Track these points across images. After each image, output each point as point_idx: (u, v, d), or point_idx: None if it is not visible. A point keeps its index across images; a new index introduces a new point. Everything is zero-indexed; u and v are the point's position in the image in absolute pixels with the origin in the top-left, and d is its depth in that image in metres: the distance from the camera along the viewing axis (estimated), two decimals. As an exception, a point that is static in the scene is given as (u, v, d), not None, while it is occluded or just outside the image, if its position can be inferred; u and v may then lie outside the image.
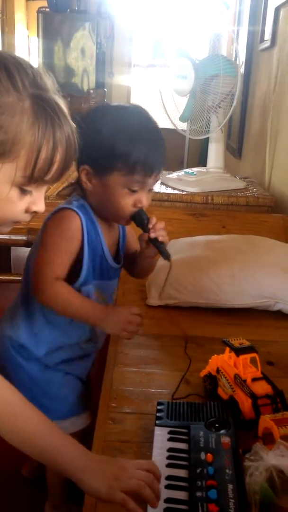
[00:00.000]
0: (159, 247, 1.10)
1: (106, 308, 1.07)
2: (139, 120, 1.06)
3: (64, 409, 1.20)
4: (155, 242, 1.10)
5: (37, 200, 0.70)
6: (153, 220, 1.09)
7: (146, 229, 1.09)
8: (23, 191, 0.66)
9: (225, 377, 0.97)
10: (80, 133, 0.98)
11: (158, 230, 1.08)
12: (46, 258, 1.05)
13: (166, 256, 1.10)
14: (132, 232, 1.23)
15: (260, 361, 0.98)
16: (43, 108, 0.64)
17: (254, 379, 0.94)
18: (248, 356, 0.96)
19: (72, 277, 1.08)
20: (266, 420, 0.82)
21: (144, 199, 1.06)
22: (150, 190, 1.08)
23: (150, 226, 1.08)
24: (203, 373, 1.03)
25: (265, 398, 0.91)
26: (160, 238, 1.09)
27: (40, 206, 0.70)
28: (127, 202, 1.05)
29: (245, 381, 0.93)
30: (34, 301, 1.11)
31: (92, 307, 1.07)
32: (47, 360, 1.18)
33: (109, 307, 1.10)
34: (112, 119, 1.04)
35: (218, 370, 0.99)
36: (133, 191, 1.04)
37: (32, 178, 0.65)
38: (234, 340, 0.99)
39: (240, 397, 0.92)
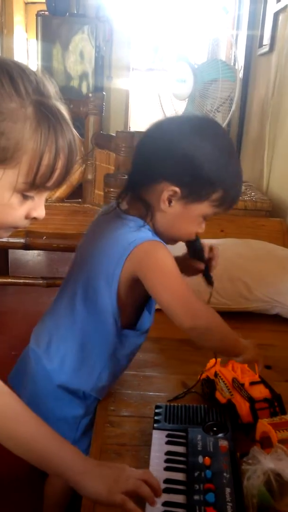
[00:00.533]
0: (208, 275, 1.06)
1: (245, 344, 1.03)
2: (232, 149, 1.00)
3: None
4: (207, 270, 1.05)
5: (38, 206, 0.70)
6: (209, 249, 1.05)
7: (202, 258, 1.04)
8: (25, 197, 0.67)
9: (223, 381, 0.97)
10: (168, 147, 0.92)
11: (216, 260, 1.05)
12: (181, 292, 0.95)
13: (211, 282, 1.06)
14: None
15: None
16: (45, 115, 0.64)
17: (252, 383, 0.95)
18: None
19: None
20: (264, 424, 0.83)
21: (204, 227, 1.01)
22: None
23: (208, 256, 1.05)
24: (202, 376, 1.03)
25: (263, 402, 0.91)
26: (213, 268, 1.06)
27: (40, 212, 0.70)
28: (194, 230, 0.99)
29: (243, 384, 0.94)
30: (110, 344, 0.99)
31: (237, 336, 1.01)
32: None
33: (246, 344, 1.03)
34: (212, 140, 0.93)
35: (216, 374, 0.99)
36: (203, 220, 0.99)
37: (33, 185, 0.65)
38: None
39: (238, 401, 0.92)
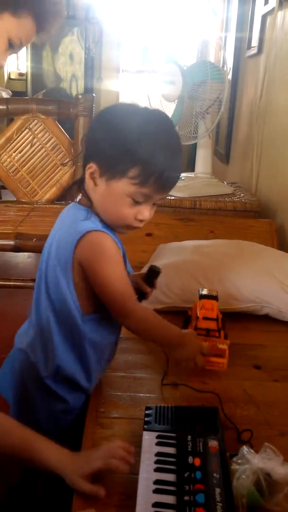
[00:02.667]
0: (141, 299, 1.15)
1: (184, 336, 1.08)
2: (165, 128, 0.95)
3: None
4: (143, 295, 1.15)
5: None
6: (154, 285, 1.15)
7: (151, 285, 1.15)
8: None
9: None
10: (96, 126, 0.97)
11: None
12: (119, 289, 0.98)
13: (140, 300, 1.15)
14: None
15: (247, 365, 1.07)
16: None
17: (205, 318, 1.19)
18: (209, 301, 1.22)
19: None
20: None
21: (147, 213, 0.97)
22: (155, 204, 0.99)
23: (155, 286, 1.15)
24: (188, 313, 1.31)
25: (203, 330, 1.18)
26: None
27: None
28: (129, 212, 0.96)
29: (197, 317, 1.19)
30: (79, 333, 1.01)
31: (174, 329, 1.07)
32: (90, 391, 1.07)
33: (186, 337, 1.09)
34: (138, 119, 0.92)
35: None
36: (137, 202, 0.95)
37: None
38: (208, 290, 1.27)
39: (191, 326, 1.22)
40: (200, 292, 1.27)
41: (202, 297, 1.25)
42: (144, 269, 1.21)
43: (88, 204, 0.99)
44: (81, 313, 1.00)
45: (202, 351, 1.08)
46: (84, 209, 0.99)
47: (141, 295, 1.15)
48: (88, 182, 0.97)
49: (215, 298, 1.24)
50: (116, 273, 0.98)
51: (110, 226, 0.99)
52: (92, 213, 0.98)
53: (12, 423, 0.85)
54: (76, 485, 0.78)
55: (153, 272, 1.15)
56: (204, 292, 1.27)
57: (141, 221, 0.98)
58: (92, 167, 0.94)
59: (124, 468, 0.78)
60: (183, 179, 2.15)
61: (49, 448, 0.81)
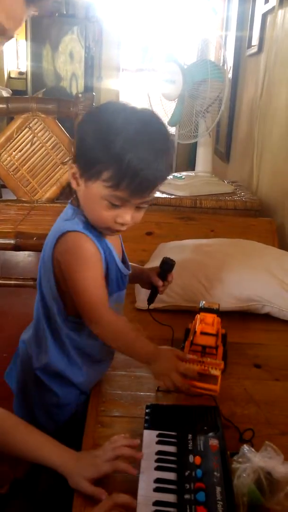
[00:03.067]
0: (154, 294, 1.18)
1: (158, 351, 0.99)
2: (146, 129, 0.89)
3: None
4: (156, 291, 1.17)
5: None
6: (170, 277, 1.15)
7: (164, 278, 1.15)
8: None
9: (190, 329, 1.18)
10: (80, 126, 0.94)
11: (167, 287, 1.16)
12: (89, 294, 0.95)
13: (151, 302, 1.18)
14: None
15: (247, 364, 1.06)
16: None
17: (203, 333, 1.11)
18: (209, 315, 1.14)
19: None
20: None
21: (127, 217, 0.92)
22: (140, 208, 0.95)
23: (169, 279, 1.15)
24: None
25: (199, 346, 1.10)
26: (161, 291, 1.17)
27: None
28: (108, 215, 0.92)
29: (195, 332, 1.11)
30: (63, 330, 1.02)
31: (147, 344, 0.99)
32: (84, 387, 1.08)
33: (160, 353, 0.99)
34: (118, 119, 0.88)
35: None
36: (115, 205, 0.91)
37: None
38: (209, 303, 1.18)
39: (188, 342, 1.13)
40: (200, 305, 1.18)
41: (201, 310, 1.16)
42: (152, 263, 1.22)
43: (76, 204, 0.98)
44: (65, 312, 1.00)
45: (181, 371, 0.97)
46: (72, 208, 0.99)
47: (154, 291, 1.17)
48: (72, 183, 0.96)
49: (215, 312, 1.15)
50: (88, 276, 0.95)
51: (96, 228, 0.97)
52: (78, 213, 0.97)
53: (16, 421, 0.86)
54: (79, 487, 0.77)
55: (167, 264, 1.14)
56: (204, 305, 1.18)
57: (122, 224, 0.94)
58: (73, 167, 0.94)
59: (133, 472, 0.78)
60: (183, 178, 2.15)
61: (54, 448, 0.82)
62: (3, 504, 1.02)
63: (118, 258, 1.02)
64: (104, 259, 0.98)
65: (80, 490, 0.77)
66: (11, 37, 0.73)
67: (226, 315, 1.36)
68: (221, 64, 2.30)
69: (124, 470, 0.78)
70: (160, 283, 1.15)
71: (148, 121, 0.91)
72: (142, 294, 1.44)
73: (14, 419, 0.86)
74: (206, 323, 1.12)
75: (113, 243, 1.02)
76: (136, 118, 0.89)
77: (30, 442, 0.83)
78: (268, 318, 1.43)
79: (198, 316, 1.17)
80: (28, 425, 0.86)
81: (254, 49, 2.57)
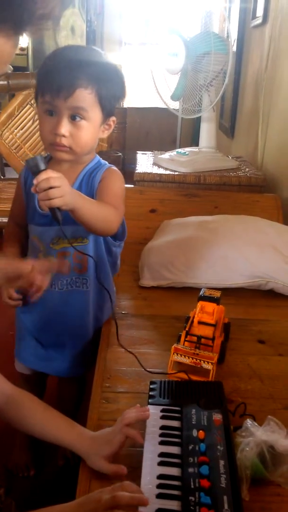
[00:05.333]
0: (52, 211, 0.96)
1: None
2: (66, 47, 1.12)
3: None
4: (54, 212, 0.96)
5: None
6: (42, 176, 0.91)
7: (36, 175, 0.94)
8: None
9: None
10: None
11: (41, 190, 0.92)
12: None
13: (56, 219, 0.96)
14: (110, 185, 1.13)
15: (251, 340, 1.01)
16: None
17: (200, 323, 1.06)
18: (209, 304, 1.09)
19: None
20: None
21: (59, 126, 1.03)
22: (75, 120, 1.03)
23: (35, 181, 0.92)
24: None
25: (194, 336, 1.05)
26: (41, 203, 0.96)
27: None
28: (47, 127, 1.06)
29: (192, 321, 1.07)
30: None
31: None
32: None
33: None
34: (55, 50, 1.10)
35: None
36: (50, 113, 1.05)
37: None
38: (211, 292, 1.13)
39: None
40: (200, 293, 1.14)
41: (201, 298, 1.12)
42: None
43: None
44: None
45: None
46: None
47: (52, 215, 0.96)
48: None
49: (215, 300, 1.11)
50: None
51: (46, 149, 1.13)
52: (48, 156, 1.17)
53: (35, 401, 0.89)
54: (98, 466, 0.79)
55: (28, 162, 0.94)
56: (205, 293, 1.14)
57: (57, 135, 1.04)
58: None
59: (140, 440, 0.79)
60: (187, 154, 2.13)
61: (71, 430, 0.84)
62: None
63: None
64: (24, 184, 1.19)
65: (100, 470, 0.78)
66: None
67: (230, 292, 1.36)
68: (225, 36, 2.25)
69: (132, 435, 0.80)
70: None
71: (75, 45, 1.15)
72: (145, 272, 1.45)
73: (34, 400, 0.89)
74: (205, 312, 1.09)
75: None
76: (74, 47, 1.12)
77: (49, 423, 0.86)
78: (272, 294, 1.43)
79: (198, 305, 1.12)
80: (47, 406, 0.88)
81: (258, 20, 2.51)
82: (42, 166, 0.92)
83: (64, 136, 1.04)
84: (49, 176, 0.91)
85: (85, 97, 1.03)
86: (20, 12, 0.53)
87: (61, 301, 1.18)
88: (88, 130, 1.05)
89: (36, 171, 0.92)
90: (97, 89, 1.04)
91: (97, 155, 1.18)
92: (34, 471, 1.41)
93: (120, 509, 0.64)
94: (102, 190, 1.12)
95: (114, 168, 1.18)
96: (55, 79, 1.02)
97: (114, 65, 1.11)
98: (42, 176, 0.91)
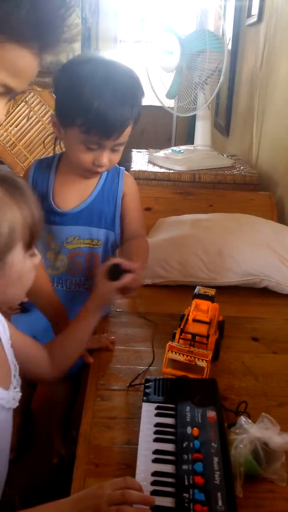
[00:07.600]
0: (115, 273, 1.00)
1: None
2: (106, 73, 0.99)
3: None
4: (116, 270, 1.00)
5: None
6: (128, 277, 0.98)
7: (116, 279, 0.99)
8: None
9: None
10: (55, 78, 1.04)
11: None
12: None
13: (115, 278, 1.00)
14: (134, 203, 1.21)
15: (245, 337, 1.02)
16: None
17: (195, 320, 1.07)
18: (204, 302, 1.10)
19: None
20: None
21: (103, 158, 1.05)
22: (115, 150, 1.07)
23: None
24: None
25: (188, 333, 1.05)
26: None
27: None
28: (86, 158, 1.05)
29: (187, 319, 1.08)
30: None
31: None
32: None
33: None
34: (86, 69, 0.98)
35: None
36: (91, 149, 1.04)
37: None
38: (206, 290, 1.14)
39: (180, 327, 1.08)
40: (195, 291, 1.14)
41: (195, 296, 1.12)
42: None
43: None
44: None
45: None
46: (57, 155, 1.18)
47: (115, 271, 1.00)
48: (54, 131, 1.09)
49: (210, 298, 1.11)
50: None
51: (77, 170, 1.12)
52: (56, 157, 1.18)
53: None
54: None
55: (109, 272, 0.99)
56: (200, 291, 1.14)
57: (99, 166, 1.06)
58: (53, 117, 1.07)
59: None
60: (182, 152, 2.13)
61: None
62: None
63: (51, 191, 1.15)
64: (33, 183, 1.15)
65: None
66: (19, 93, 0.72)
67: (225, 290, 1.36)
68: (220, 34, 2.25)
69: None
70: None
71: (113, 69, 1.01)
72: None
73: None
74: (199, 310, 1.09)
75: (71, 184, 1.16)
76: (102, 67, 1.00)
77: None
78: (266, 292, 1.43)
79: (192, 303, 1.12)
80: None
81: (253, 19, 2.51)
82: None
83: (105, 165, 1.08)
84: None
85: (129, 131, 1.06)
86: (50, 35, 0.61)
87: (65, 300, 1.19)
88: (121, 152, 1.09)
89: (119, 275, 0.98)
90: (135, 119, 1.05)
91: None
92: (14, 455, 1.42)
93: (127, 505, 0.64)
94: (129, 209, 1.20)
95: (127, 173, 1.23)
96: (106, 123, 0.99)
97: (137, 78, 1.05)
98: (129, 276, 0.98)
